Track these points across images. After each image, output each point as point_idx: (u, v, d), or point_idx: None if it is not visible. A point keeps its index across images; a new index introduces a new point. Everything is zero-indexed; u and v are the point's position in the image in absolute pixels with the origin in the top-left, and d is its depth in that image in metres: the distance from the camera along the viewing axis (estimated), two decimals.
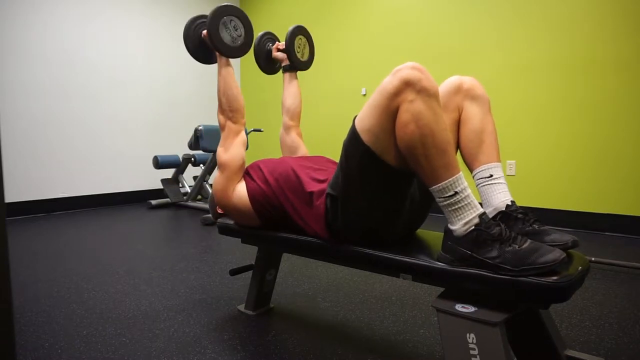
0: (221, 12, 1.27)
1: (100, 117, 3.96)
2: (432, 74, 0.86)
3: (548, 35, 2.93)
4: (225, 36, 1.29)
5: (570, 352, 1.01)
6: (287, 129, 1.59)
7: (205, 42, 1.36)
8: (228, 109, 1.30)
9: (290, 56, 1.55)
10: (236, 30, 1.31)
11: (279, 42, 1.62)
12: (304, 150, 1.56)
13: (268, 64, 1.63)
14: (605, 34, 2.71)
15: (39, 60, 3.53)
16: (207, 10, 5.12)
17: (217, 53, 1.32)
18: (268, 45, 1.61)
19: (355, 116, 0.95)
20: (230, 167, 1.25)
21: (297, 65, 1.59)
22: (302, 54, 1.58)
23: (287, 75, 1.61)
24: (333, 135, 4.24)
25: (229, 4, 1.32)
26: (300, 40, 1.56)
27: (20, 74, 3.42)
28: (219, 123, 1.32)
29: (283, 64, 1.61)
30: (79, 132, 3.81)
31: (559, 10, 2.88)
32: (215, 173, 1.30)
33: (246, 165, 1.31)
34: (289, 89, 1.61)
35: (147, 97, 4.34)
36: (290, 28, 1.52)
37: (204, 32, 1.33)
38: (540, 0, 2.95)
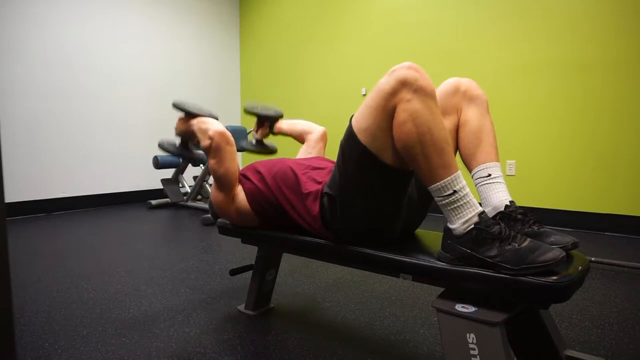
0: (177, 102, 1.46)
1: (100, 116, 3.96)
2: (432, 74, 0.86)
3: (548, 35, 2.93)
4: (193, 107, 1.45)
5: (570, 352, 1.01)
6: (310, 140, 1.57)
7: (180, 143, 1.52)
8: (209, 126, 1.27)
9: (266, 118, 1.66)
10: (202, 107, 1.49)
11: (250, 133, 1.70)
12: (317, 155, 1.52)
13: (263, 147, 1.77)
14: (605, 34, 2.71)
15: (39, 60, 3.53)
16: (207, 11, 5.08)
17: (191, 119, 1.40)
18: (251, 142, 1.74)
19: (352, 116, 0.95)
20: (228, 181, 1.23)
21: (274, 117, 1.67)
22: (268, 111, 1.70)
23: (276, 127, 1.67)
24: (333, 135, 4.23)
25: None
26: (258, 106, 1.68)
27: (20, 74, 3.42)
28: (205, 147, 1.26)
29: (269, 130, 1.68)
30: (78, 132, 3.81)
31: (559, 10, 2.88)
32: (213, 186, 1.30)
33: (243, 166, 1.30)
34: (289, 127, 1.64)
35: (147, 97, 4.34)
36: (246, 109, 1.64)
37: (176, 123, 1.47)
38: (540, 0, 2.96)
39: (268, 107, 1.73)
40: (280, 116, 1.69)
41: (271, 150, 1.79)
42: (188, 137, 1.48)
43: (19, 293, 1.68)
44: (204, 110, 1.48)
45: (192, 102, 1.47)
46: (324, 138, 1.55)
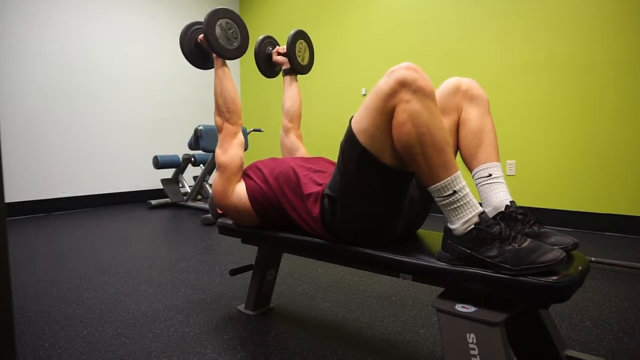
0: (217, 14, 1.28)
1: (100, 117, 3.96)
2: (432, 74, 0.86)
3: (548, 35, 2.93)
4: (222, 37, 1.30)
5: (570, 352, 1.01)
6: (286, 131, 1.60)
7: (201, 46, 1.39)
8: (225, 110, 1.30)
9: (290, 60, 1.57)
10: (232, 32, 1.32)
11: (279, 46, 1.63)
12: (302, 152, 1.57)
13: (268, 68, 1.64)
14: (605, 34, 2.71)
15: (39, 60, 3.53)
16: (207, 11, 5.09)
17: (214, 55, 1.34)
18: (268, 49, 1.62)
19: (352, 117, 0.95)
20: (229, 168, 1.26)
21: (297, 69, 1.60)
22: (302, 58, 1.60)
23: (287, 78, 1.63)
24: (333, 135, 4.23)
25: (224, 7, 1.33)
26: (301, 45, 1.58)
27: (20, 74, 3.42)
28: (216, 125, 1.32)
29: (284, 67, 1.62)
30: (78, 132, 3.81)
31: (559, 10, 2.88)
32: (215, 173, 1.31)
33: (245, 165, 1.32)
34: (288, 91, 1.62)
35: (147, 97, 4.34)
36: (292, 32, 1.53)
37: (200, 36, 1.37)
38: (540, 0, 2.95)
39: (306, 56, 1.58)
40: (300, 72, 1.61)
41: (269, 74, 1.66)
42: (206, 49, 1.37)
43: (19, 293, 1.68)
44: (234, 41, 1.31)
45: (225, 23, 1.31)
46: (300, 137, 1.60)
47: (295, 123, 1.60)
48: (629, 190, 2.65)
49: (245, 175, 1.28)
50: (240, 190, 1.24)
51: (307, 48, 1.62)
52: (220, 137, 1.31)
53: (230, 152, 1.28)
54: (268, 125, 4.96)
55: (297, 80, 1.63)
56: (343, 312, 1.49)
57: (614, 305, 1.54)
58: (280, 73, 1.67)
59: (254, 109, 5.18)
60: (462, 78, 1.06)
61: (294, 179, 1.14)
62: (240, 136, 1.32)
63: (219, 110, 1.31)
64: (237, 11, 5.28)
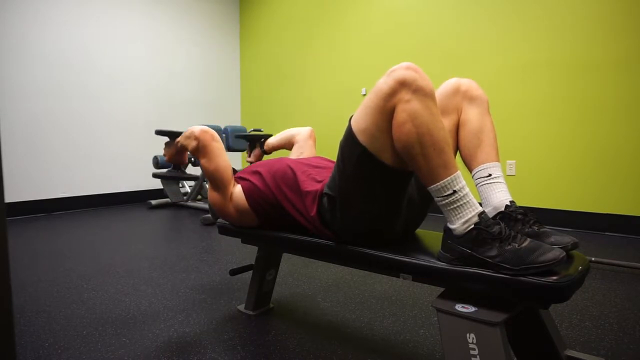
0: (159, 131, 1.64)
1: (101, 117, 3.96)
2: (432, 74, 0.86)
3: (548, 35, 2.93)
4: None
5: (570, 352, 1.01)
6: (297, 140, 1.59)
7: (173, 168, 1.78)
8: (192, 129, 1.32)
9: (255, 140, 1.73)
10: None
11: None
12: (309, 153, 1.53)
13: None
14: (605, 34, 2.71)
15: (39, 60, 3.53)
16: (206, 11, 5.08)
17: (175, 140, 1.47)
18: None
19: (351, 116, 0.95)
20: (219, 174, 1.25)
21: (262, 136, 1.72)
22: (255, 133, 1.80)
23: (267, 144, 1.69)
24: (333, 135, 4.24)
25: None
26: (252, 145, 1.76)
27: (20, 74, 3.42)
28: (194, 149, 1.32)
29: (263, 150, 1.71)
30: (79, 132, 3.81)
31: (559, 10, 2.88)
32: (208, 187, 1.32)
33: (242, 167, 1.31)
34: (278, 140, 1.65)
35: (147, 97, 4.34)
36: (236, 136, 1.82)
37: (165, 157, 1.55)
38: (540, 0, 2.96)
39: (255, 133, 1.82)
40: (269, 135, 1.74)
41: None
42: (178, 161, 1.54)
43: (19, 293, 1.68)
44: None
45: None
46: (312, 136, 1.58)
47: (299, 136, 1.58)
48: (629, 190, 2.66)
49: (240, 177, 1.28)
50: (237, 193, 1.24)
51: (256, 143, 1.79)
52: (200, 151, 1.30)
53: (215, 160, 1.27)
54: (268, 124, 4.96)
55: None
56: (343, 312, 1.49)
57: (614, 305, 1.54)
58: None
59: (254, 108, 5.19)
60: (462, 79, 1.06)
61: (291, 176, 1.14)
62: (217, 138, 1.32)
63: (192, 143, 1.33)
64: (237, 11, 5.30)
